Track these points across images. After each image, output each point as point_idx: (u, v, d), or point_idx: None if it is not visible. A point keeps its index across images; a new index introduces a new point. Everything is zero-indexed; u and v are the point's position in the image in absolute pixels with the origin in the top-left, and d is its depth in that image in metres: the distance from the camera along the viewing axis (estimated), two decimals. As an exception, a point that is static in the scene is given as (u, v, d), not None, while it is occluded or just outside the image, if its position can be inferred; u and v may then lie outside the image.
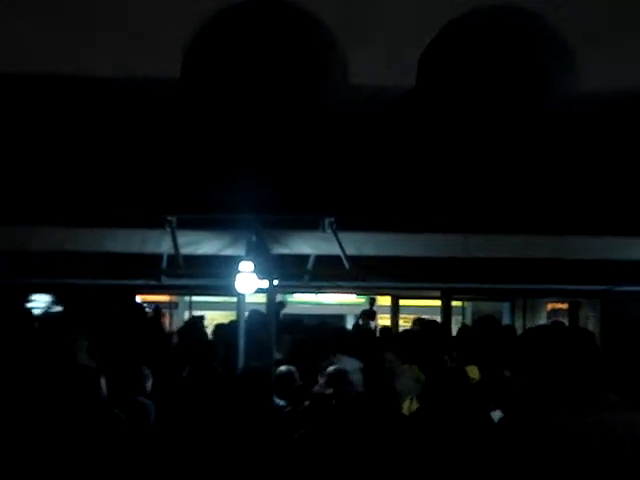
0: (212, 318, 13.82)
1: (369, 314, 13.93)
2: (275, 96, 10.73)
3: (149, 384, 8.44)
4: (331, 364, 9.26)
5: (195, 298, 16.55)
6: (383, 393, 7.71)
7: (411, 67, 9.79)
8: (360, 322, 13.82)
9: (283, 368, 8.70)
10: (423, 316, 14.51)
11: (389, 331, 12.48)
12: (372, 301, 14.07)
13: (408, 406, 8.70)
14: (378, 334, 13.18)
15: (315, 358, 10.14)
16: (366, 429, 7.37)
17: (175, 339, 11.90)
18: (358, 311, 15.51)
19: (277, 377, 8.57)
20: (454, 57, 10.26)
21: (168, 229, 8.78)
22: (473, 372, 9.02)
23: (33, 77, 9.42)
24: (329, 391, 8.49)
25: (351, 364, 9.55)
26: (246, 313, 9.97)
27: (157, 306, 14.61)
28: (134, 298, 11.92)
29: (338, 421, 7.66)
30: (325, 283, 10.86)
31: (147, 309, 14.42)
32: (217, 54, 10.53)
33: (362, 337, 11.39)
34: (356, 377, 9.56)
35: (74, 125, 10.60)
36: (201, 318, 12.15)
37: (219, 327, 11.32)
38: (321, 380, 9.30)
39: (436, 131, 10.93)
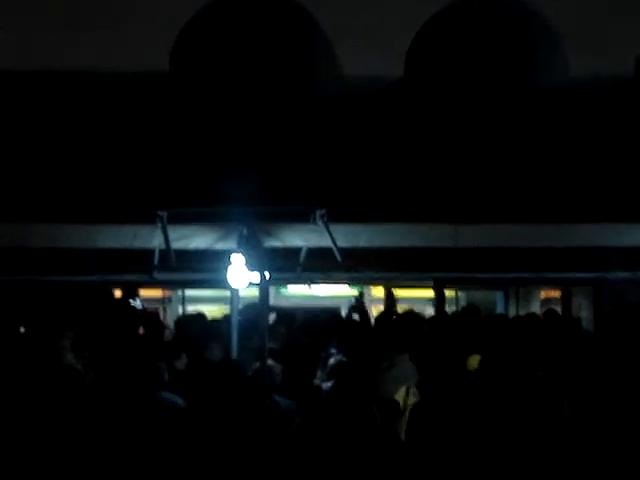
0: (208, 312, 13.76)
1: (354, 307, 13.86)
2: (264, 88, 10.72)
3: (166, 376, 8.48)
4: (330, 355, 9.31)
5: (189, 292, 16.49)
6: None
7: (399, 57, 9.81)
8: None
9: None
10: (416, 306, 14.49)
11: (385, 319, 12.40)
12: (360, 295, 14.01)
13: (403, 396, 8.69)
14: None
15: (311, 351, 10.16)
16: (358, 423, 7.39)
17: (169, 333, 11.86)
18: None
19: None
20: (442, 46, 10.27)
21: (159, 224, 8.75)
22: (474, 362, 9.00)
23: (20, 74, 9.41)
24: (330, 383, 8.51)
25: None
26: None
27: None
28: (133, 294, 11.80)
29: (332, 413, 7.66)
30: (317, 275, 10.83)
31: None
32: (205, 48, 10.53)
33: (346, 330, 11.38)
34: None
35: (63, 121, 10.58)
36: (202, 316, 12.02)
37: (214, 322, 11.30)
38: (320, 372, 9.33)
39: (425, 121, 10.92)
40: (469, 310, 12.00)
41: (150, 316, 11.73)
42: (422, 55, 9.93)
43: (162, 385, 8.19)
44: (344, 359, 9.11)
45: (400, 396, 8.67)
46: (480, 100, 10.81)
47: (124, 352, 8.80)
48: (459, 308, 15.77)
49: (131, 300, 11.60)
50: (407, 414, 8.02)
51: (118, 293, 12.08)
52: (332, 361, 8.96)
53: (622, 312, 10.79)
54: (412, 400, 8.43)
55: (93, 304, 11.12)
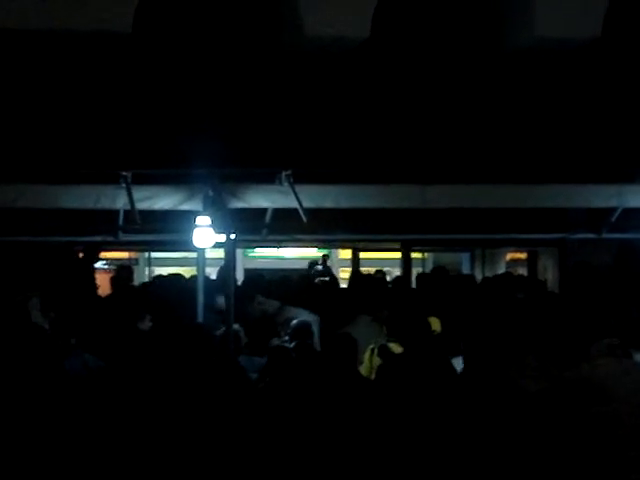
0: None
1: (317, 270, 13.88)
2: (230, 49, 10.64)
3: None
4: (288, 317, 9.27)
5: (155, 254, 16.46)
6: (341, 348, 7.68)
7: (366, 17, 9.75)
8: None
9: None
10: (385, 268, 14.54)
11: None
12: (324, 257, 14.04)
13: (369, 357, 8.70)
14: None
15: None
16: (325, 382, 7.39)
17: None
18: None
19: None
20: (408, 6, 10.23)
21: (123, 184, 8.67)
22: (434, 324, 9.03)
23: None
24: (292, 344, 8.49)
25: (305, 317, 9.55)
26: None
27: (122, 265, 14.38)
28: (94, 254, 11.73)
29: (299, 373, 7.67)
30: (283, 237, 10.80)
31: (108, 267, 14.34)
32: (169, 8, 10.43)
33: (315, 291, 11.37)
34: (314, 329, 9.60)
35: (25, 81, 10.47)
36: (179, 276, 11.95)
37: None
38: (282, 333, 9.30)
39: (392, 81, 10.89)
40: (437, 272, 12.00)
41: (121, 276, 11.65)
42: (389, 15, 9.87)
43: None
44: (307, 320, 9.05)
45: (366, 357, 8.68)
46: (447, 60, 10.79)
47: (86, 313, 8.76)
48: (426, 270, 15.87)
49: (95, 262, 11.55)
50: (373, 375, 8.05)
51: (81, 255, 12.01)
52: (294, 322, 8.90)
53: (581, 272, 10.86)
54: (377, 361, 8.45)
55: (57, 265, 11.05)
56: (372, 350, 8.71)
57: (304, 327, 8.81)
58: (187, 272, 13.07)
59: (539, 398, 6.82)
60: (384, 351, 8.47)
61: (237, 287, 9.87)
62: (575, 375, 6.93)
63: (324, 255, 14.12)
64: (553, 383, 6.95)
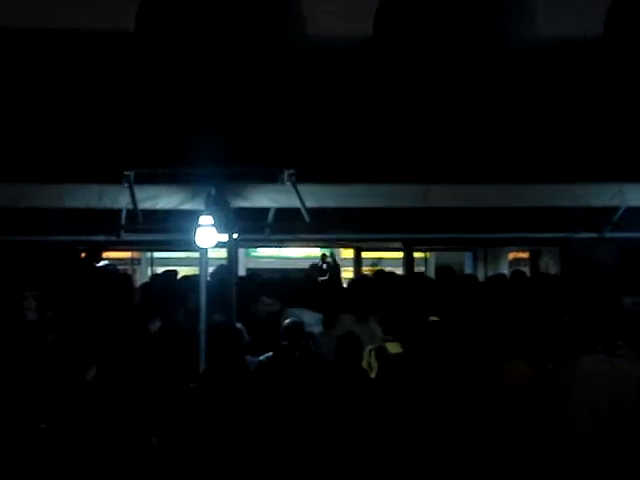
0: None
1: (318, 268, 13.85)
2: (232, 48, 10.65)
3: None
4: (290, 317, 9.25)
5: (158, 254, 16.47)
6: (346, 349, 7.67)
7: (368, 17, 9.76)
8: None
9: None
10: (386, 268, 14.53)
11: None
12: (323, 256, 14.01)
13: (367, 359, 8.68)
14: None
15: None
16: (327, 383, 7.40)
17: (137, 297, 11.79)
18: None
19: None
20: (410, 5, 10.24)
21: (126, 184, 8.68)
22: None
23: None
24: (285, 343, 8.48)
25: (310, 317, 9.52)
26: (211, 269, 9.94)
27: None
28: (96, 254, 11.73)
29: (301, 372, 7.68)
30: (286, 236, 10.80)
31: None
32: (171, 8, 10.43)
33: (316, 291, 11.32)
34: (318, 329, 9.57)
35: (27, 80, 10.48)
36: (174, 272, 11.98)
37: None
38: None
39: (394, 81, 10.90)
40: (443, 271, 11.94)
41: (121, 277, 11.67)
42: (391, 14, 9.89)
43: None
44: (298, 320, 9.00)
45: (364, 359, 8.66)
46: (448, 60, 10.80)
47: (87, 313, 8.76)
48: (428, 269, 15.89)
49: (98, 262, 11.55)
50: (373, 375, 8.04)
51: (83, 255, 12.01)
52: (286, 322, 8.85)
53: (583, 268, 10.84)
54: (375, 363, 8.41)
55: (59, 264, 11.06)
56: (370, 352, 8.69)
57: (295, 327, 8.77)
58: (190, 272, 13.09)
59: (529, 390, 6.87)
60: (382, 353, 8.44)
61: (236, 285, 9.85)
62: (557, 368, 6.96)
63: (323, 254, 14.10)
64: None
